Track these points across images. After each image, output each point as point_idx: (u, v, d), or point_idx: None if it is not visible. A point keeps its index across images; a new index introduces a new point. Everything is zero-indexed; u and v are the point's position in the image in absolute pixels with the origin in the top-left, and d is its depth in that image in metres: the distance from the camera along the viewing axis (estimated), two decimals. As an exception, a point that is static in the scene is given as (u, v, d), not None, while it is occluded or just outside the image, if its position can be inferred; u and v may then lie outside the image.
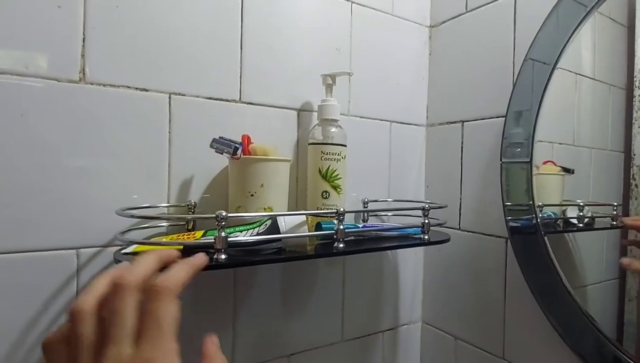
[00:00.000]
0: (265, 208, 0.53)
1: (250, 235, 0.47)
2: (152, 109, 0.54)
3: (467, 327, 0.73)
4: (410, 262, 0.81)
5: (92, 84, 0.50)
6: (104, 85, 0.50)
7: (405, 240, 0.59)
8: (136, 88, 0.52)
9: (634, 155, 0.53)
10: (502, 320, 0.67)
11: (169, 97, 0.55)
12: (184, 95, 0.56)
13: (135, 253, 0.43)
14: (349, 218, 0.64)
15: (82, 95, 0.49)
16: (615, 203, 0.55)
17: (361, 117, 0.73)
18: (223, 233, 0.42)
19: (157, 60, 0.54)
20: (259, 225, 0.49)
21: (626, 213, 0.54)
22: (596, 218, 0.59)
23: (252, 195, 0.53)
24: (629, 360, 0.51)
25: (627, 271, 0.54)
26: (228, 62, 0.59)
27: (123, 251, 0.46)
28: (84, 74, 0.49)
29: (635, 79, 0.54)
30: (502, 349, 0.67)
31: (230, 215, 0.42)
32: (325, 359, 0.70)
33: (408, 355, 0.82)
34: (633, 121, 0.54)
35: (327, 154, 0.60)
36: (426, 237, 0.57)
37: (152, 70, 0.53)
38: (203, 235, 0.48)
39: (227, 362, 0.32)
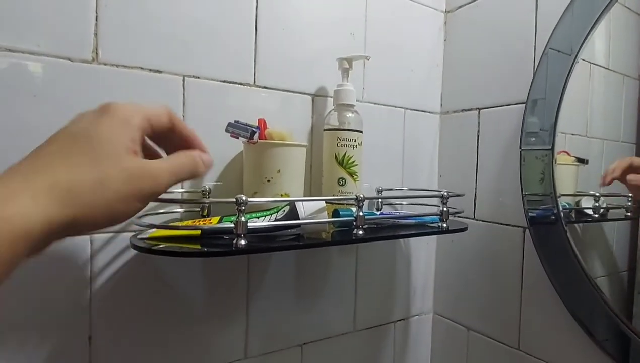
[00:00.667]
0: (282, 194, 0.52)
1: (268, 221, 0.46)
2: (166, 91, 0.52)
3: (481, 318, 0.73)
4: (423, 252, 0.80)
5: (105, 64, 0.48)
6: (117, 66, 0.49)
7: (422, 228, 0.58)
8: (150, 69, 0.51)
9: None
10: (518, 311, 0.66)
11: (183, 79, 0.53)
12: (198, 77, 0.54)
13: (152, 239, 0.42)
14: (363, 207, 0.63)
15: (95, 76, 0.47)
16: (631, 194, 0.54)
17: (375, 104, 0.71)
18: (243, 218, 0.40)
19: (171, 42, 0.52)
20: (277, 211, 0.48)
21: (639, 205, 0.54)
22: (610, 210, 0.58)
23: (268, 181, 0.51)
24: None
25: (637, 263, 0.54)
26: (243, 45, 0.58)
27: (139, 236, 0.45)
28: (96, 53, 0.47)
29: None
30: (518, 340, 0.66)
31: (250, 199, 0.41)
32: (337, 349, 0.70)
33: (419, 346, 0.81)
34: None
35: (343, 139, 0.58)
36: (445, 225, 0.56)
37: (166, 51, 0.52)
38: (219, 222, 0.46)
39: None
